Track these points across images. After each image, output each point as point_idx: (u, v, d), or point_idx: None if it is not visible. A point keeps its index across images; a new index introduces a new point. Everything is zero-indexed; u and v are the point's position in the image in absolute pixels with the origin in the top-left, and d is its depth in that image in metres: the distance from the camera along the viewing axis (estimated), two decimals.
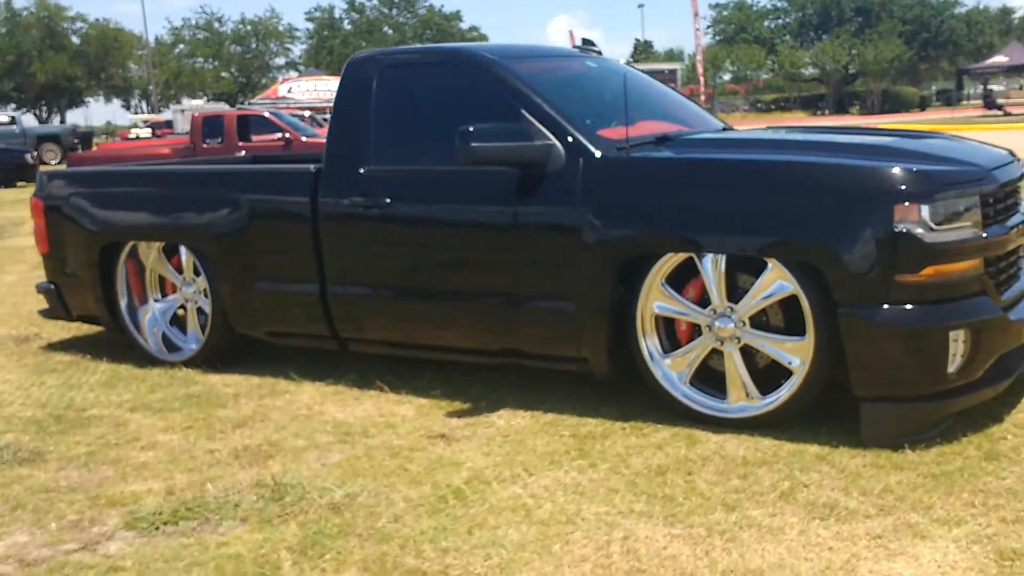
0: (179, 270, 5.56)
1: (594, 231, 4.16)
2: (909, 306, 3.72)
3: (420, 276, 4.75)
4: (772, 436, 3.94)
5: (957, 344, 3.75)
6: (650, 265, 4.14)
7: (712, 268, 4.05)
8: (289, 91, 44.31)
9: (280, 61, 66.73)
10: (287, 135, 18.77)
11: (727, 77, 71.42)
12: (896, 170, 3.78)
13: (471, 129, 4.22)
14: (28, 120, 52.09)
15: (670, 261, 4.12)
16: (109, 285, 5.71)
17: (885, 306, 3.72)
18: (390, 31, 67.57)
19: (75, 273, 5.81)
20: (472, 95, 4.69)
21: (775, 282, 3.93)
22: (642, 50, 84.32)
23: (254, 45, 65.88)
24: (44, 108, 60.50)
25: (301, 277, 5.00)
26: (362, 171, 4.81)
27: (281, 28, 66.90)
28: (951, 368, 3.76)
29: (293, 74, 57.22)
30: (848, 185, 3.81)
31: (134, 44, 63.02)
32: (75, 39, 58.49)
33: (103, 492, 3.71)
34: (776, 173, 4.03)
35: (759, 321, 4.04)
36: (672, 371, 4.22)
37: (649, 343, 4.24)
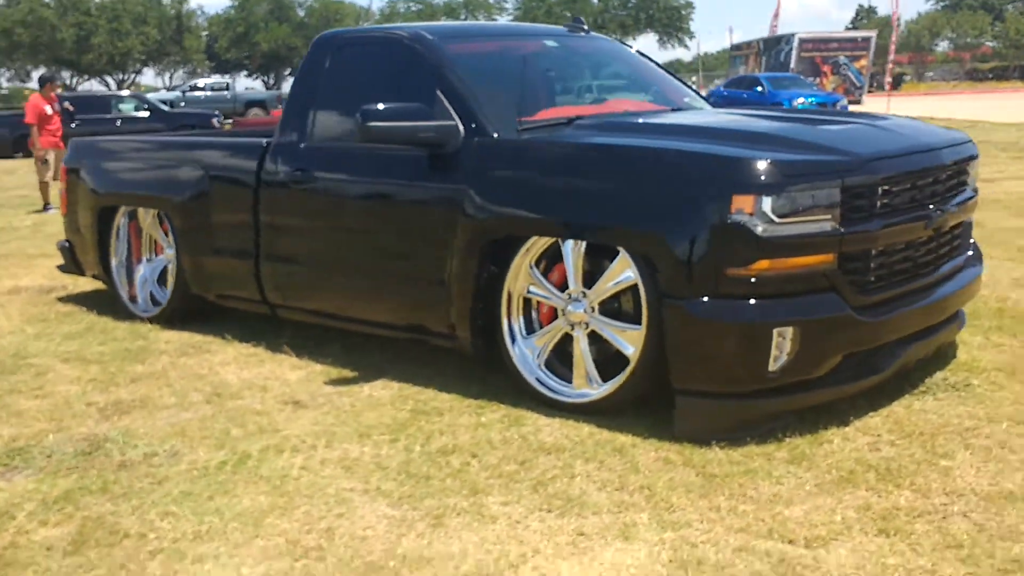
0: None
1: (470, 210, 4.06)
2: (733, 300, 3.43)
3: (331, 249, 4.79)
4: (598, 424, 3.74)
5: (783, 342, 3.43)
6: (518, 247, 3.99)
7: (572, 253, 3.87)
8: None
9: None
10: None
11: (944, 45, 66.55)
12: (739, 159, 3.50)
13: (369, 108, 4.18)
14: (243, 84, 56.00)
15: (537, 244, 3.97)
16: (106, 244, 6.08)
17: (707, 299, 3.44)
18: (595, 1, 67.02)
19: (82, 232, 6.23)
20: (401, 75, 4.65)
21: (624, 270, 3.71)
22: (863, 15, 79.84)
23: (464, 16, 67.16)
24: (273, 76, 64.37)
25: (242, 245, 5.13)
26: (303, 146, 4.87)
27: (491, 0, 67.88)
28: (773, 366, 3.44)
29: None
30: (685, 173, 3.58)
31: (355, 16, 65.83)
32: (300, 12, 61.68)
33: None
34: (624, 158, 3.81)
35: (611, 309, 3.83)
36: (528, 353, 4.07)
37: (513, 324, 4.10)
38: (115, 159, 6.04)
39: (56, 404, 4.33)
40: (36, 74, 61.74)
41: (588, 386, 3.88)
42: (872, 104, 34.83)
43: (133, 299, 5.97)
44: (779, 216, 3.36)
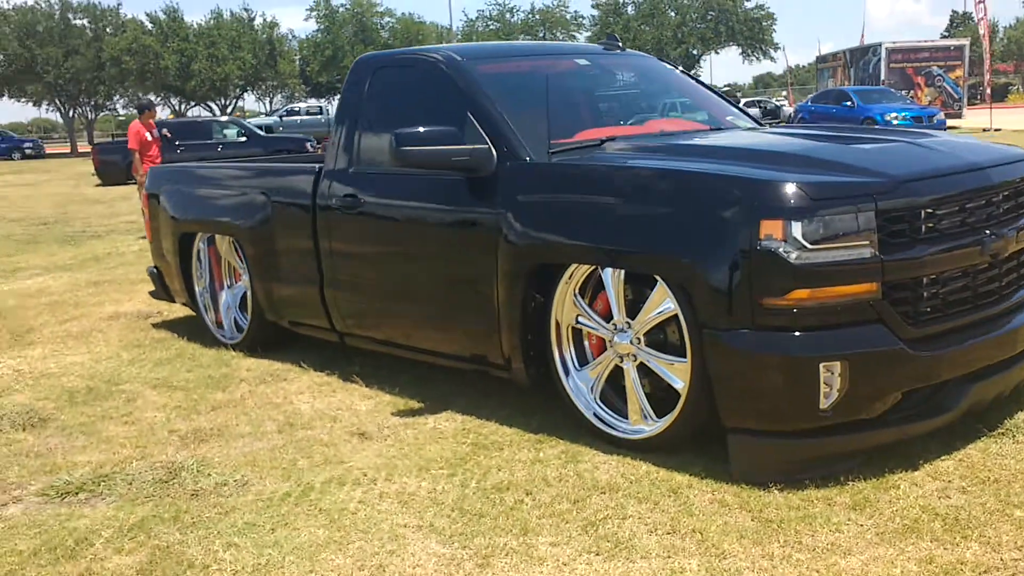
0: None
1: (509, 236, 4.07)
2: (775, 332, 3.35)
3: (387, 277, 4.87)
4: (656, 461, 3.72)
5: (832, 377, 3.33)
6: (560, 274, 4.00)
7: (613, 281, 3.85)
8: None
9: None
10: None
11: None
12: (765, 181, 3.41)
13: (402, 132, 4.26)
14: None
15: (578, 272, 3.97)
16: (188, 271, 6.31)
17: (747, 331, 3.37)
18: (673, 13, 66.67)
19: (167, 258, 6.47)
20: (434, 97, 4.72)
21: (664, 300, 3.67)
22: (959, 22, 77.41)
23: (541, 34, 67.56)
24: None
25: (306, 272, 5.26)
26: (351, 171, 4.98)
27: (568, 17, 68.20)
28: (824, 403, 3.35)
29: None
30: (713, 197, 3.48)
31: (436, 37, 66.86)
32: (384, 33, 62.90)
33: (53, 460, 4.19)
34: (651, 182, 3.76)
35: (658, 340, 3.80)
36: (583, 385, 4.07)
37: (565, 355, 4.11)
38: (191, 185, 6.25)
39: (142, 431, 4.52)
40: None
41: (643, 421, 3.86)
42: (974, 118, 33.75)
43: (220, 325, 6.16)
44: (811, 242, 3.26)
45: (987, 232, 3.67)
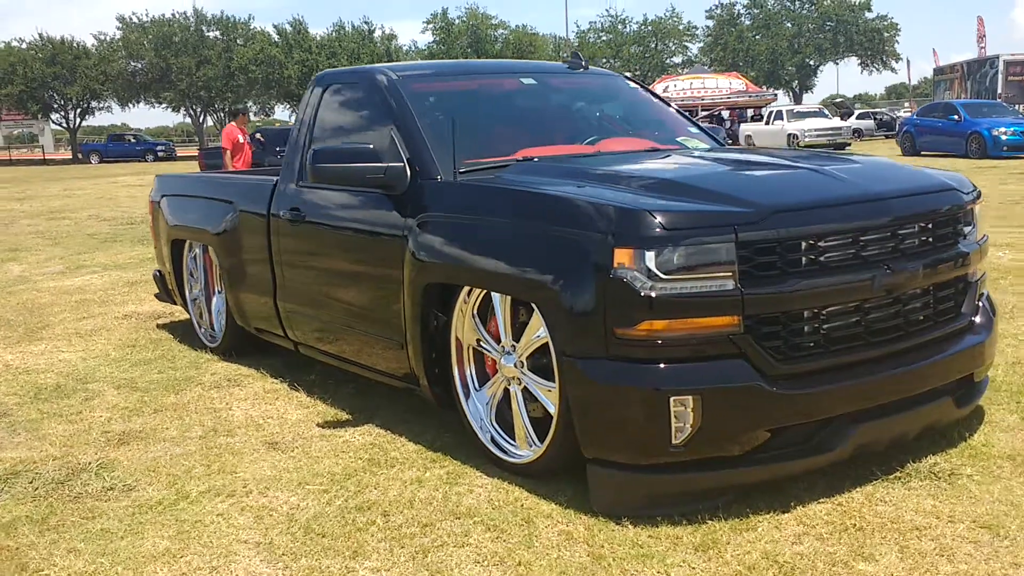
0: None
1: (414, 254, 3.99)
2: (628, 363, 3.17)
3: (322, 289, 4.85)
4: (532, 487, 3.59)
5: (684, 412, 3.12)
6: (458, 294, 3.90)
7: (500, 303, 3.73)
8: (665, 90, 44.43)
9: (677, 60, 67.12)
10: None
11: None
12: (620, 208, 3.22)
13: (320, 148, 4.25)
14: None
15: (475, 292, 3.85)
16: (181, 275, 6.45)
17: (602, 360, 3.20)
18: (789, 24, 64.88)
19: (164, 263, 6.64)
20: (371, 115, 4.68)
21: (540, 326, 3.53)
22: None
23: (653, 44, 66.90)
24: None
25: (263, 281, 5.29)
26: (295, 186, 4.98)
27: (681, 27, 67.24)
28: (676, 439, 3.14)
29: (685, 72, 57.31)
30: (575, 223, 3.31)
31: (549, 48, 67.10)
32: (497, 45, 63.46)
33: None
34: (528, 206, 3.62)
35: (540, 365, 3.65)
36: (481, 407, 3.95)
37: (466, 374, 4.01)
38: (182, 193, 6.36)
39: (79, 431, 4.62)
40: (279, 108, 67.85)
41: (527, 446, 3.72)
42: None
43: (213, 328, 6.27)
44: (665, 272, 3.06)
45: (885, 267, 3.38)
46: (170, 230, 6.36)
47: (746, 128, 39.90)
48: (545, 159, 4.30)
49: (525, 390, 3.71)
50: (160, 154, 52.62)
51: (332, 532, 3.30)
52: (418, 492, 3.62)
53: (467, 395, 3.99)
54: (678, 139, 4.96)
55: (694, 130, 5.17)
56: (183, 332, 6.68)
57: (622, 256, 3.11)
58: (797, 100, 64.59)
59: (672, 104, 5.60)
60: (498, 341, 3.79)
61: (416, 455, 4.04)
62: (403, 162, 4.18)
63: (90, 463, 4.10)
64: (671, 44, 67.78)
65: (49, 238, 13.74)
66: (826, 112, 39.72)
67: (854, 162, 4.04)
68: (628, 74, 5.68)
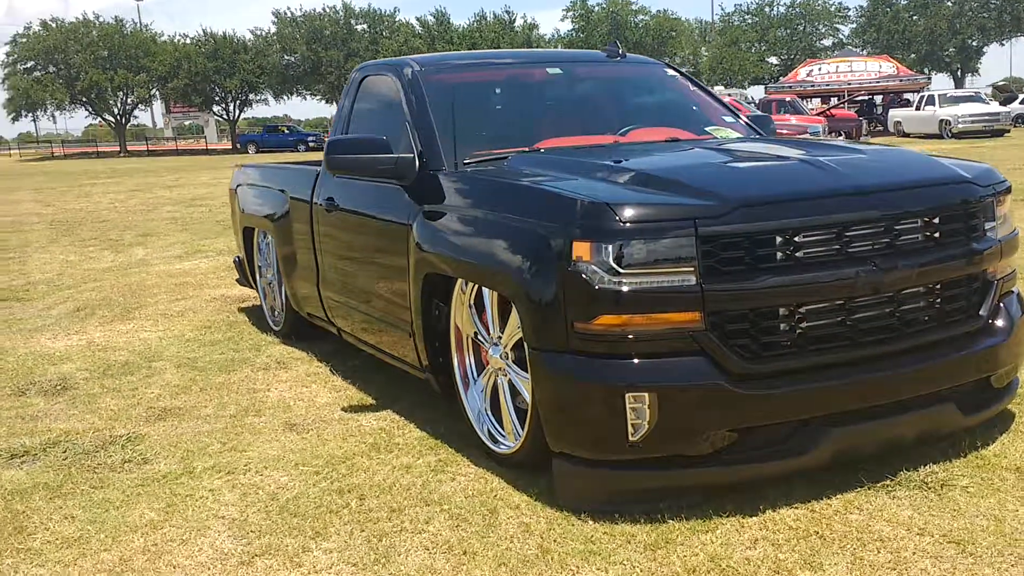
0: None
1: (417, 244, 4.05)
2: (587, 358, 3.14)
3: (352, 277, 4.98)
4: (511, 479, 3.61)
5: (641, 409, 3.06)
6: (455, 284, 3.94)
7: (488, 294, 3.76)
8: (809, 74, 42.86)
9: (827, 43, 64.47)
10: None
11: None
12: (579, 201, 3.17)
13: (335, 139, 4.37)
14: None
15: (470, 283, 3.89)
16: (253, 262, 6.76)
17: (564, 354, 3.18)
18: (949, 3, 61.20)
19: (240, 249, 6.96)
20: (393, 106, 4.75)
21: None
22: None
23: (801, 27, 64.55)
24: None
25: (309, 267, 5.49)
26: (334, 176, 5.12)
27: (832, 8, 64.60)
28: (634, 436, 3.09)
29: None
30: (542, 216, 3.29)
31: (690, 33, 65.97)
32: (638, 31, 62.79)
33: (34, 425, 4.66)
34: (506, 198, 3.63)
35: (522, 356, 3.64)
36: (478, 395, 3.99)
37: (466, 363, 4.05)
38: (252, 183, 6.63)
39: (128, 405, 4.93)
40: None
41: (513, 438, 3.73)
42: None
43: None
44: (623, 266, 3.00)
45: (872, 264, 3.21)
46: (242, 217, 6.67)
47: (895, 114, 38.04)
48: (552, 150, 4.26)
49: (511, 382, 3.71)
50: (311, 144, 54.69)
51: (305, 512, 3.41)
52: (402, 478, 3.69)
53: (466, 385, 4.03)
54: (707, 129, 4.81)
55: (729, 119, 5.01)
56: (258, 316, 6.98)
57: (580, 249, 3.07)
58: (959, 84, 61.01)
59: (717, 94, 5.41)
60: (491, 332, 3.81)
61: (418, 442, 4.11)
62: (413, 153, 4.25)
63: (122, 436, 4.37)
64: (821, 26, 65.19)
65: (181, 224, 14.57)
66: (983, 97, 37.31)
67: (860, 152, 3.82)
68: (668, 62, 5.52)
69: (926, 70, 62.34)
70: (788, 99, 29.21)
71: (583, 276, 3.05)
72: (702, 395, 3.07)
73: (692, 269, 3.02)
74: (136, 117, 76.91)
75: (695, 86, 5.33)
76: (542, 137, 4.52)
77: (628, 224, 3.03)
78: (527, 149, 4.27)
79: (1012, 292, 3.81)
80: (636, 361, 3.09)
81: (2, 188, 26.44)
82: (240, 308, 7.43)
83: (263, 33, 63.26)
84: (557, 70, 5.02)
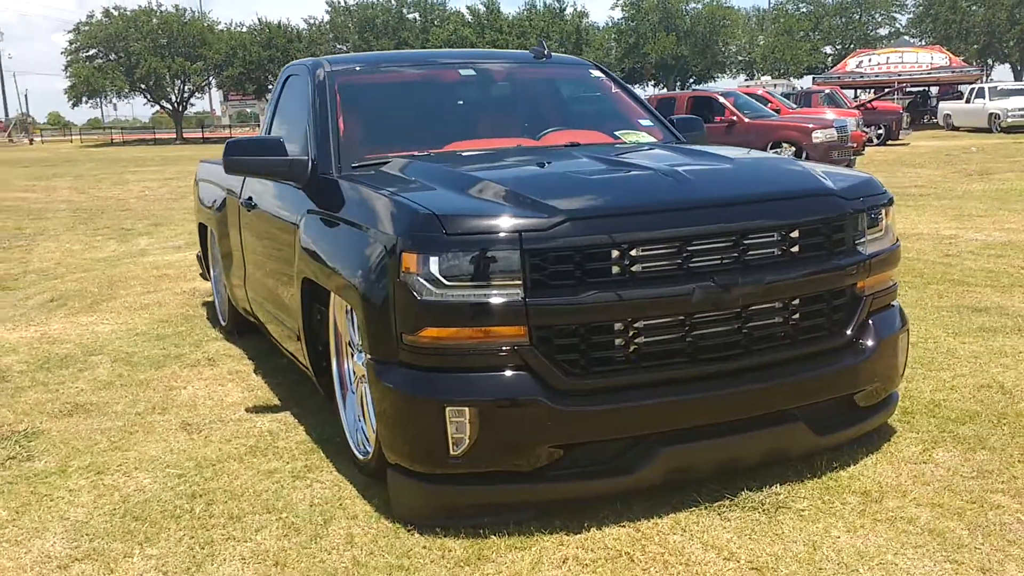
0: None
1: (300, 247, 4.04)
2: (412, 370, 3.10)
3: (259, 275, 5.00)
4: (365, 489, 3.58)
5: (462, 423, 3.02)
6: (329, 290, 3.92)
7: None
8: (859, 65, 41.82)
9: (883, 32, 62.81)
10: (732, 118, 18.42)
11: None
12: (409, 211, 3.14)
13: (232, 140, 4.37)
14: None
15: None
16: (207, 256, 6.83)
17: (392, 365, 3.15)
18: None
19: (199, 244, 7.05)
20: (303, 107, 4.73)
21: None
22: None
23: (857, 16, 63.01)
24: (661, 86, 65.56)
25: (238, 265, 5.52)
26: None
27: None
28: (455, 450, 3.05)
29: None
30: (385, 224, 3.25)
31: (744, 21, 64.86)
32: (688, 20, 61.97)
33: None
34: (356, 204, 3.61)
35: None
36: (353, 401, 3.96)
37: (346, 369, 4.02)
38: (205, 177, 6.69)
39: (47, 400, 5.00)
40: None
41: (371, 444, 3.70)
42: None
43: None
44: (447, 278, 2.96)
45: (711, 280, 3.10)
46: (197, 212, 6.74)
47: (945, 106, 37.04)
48: (436, 157, 4.19)
49: None
50: None
51: (146, 516, 3.43)
52: (259, 483, 3.69)
53: (344, 390, 4.01)
54: (617, 132, 4.71)
55: (646, 123, 4.89)
56: (216, 311, 7.04)
57: (408, 260, 3.03)
58: (1018, 76, 59.06)
59: (635, 96, 5.22)
60: None
61: (297, 446, 4.10)
62: (307, 156, 4.24)
63: (21, 432, 4.44)
64: (877, 15, 63.55)
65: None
66: None
67: (727, 162, 3.70)
68: (593, 63, 5.41)
69: (989, 61, 60.52)
70: (827, 91, 28.54)
71: (409, 287, 3.01)
72: (522, 411, 3.01)
73: (517, 283, 2.96)
74: (193, 105, 78.29)
75: (619, 88, 5.21)
76: (451, 140, 4.48)
77: (453, 236, 2.98)
78: (429, 153, 4.22)
79: (890, 307, 3.67)
80: (459, 375, 3.05)
81: (47, 174, 27.11)
82: (204, 302, 7.50)
83: (316, 22, 63.86)
84: (471, 71, 4.95)
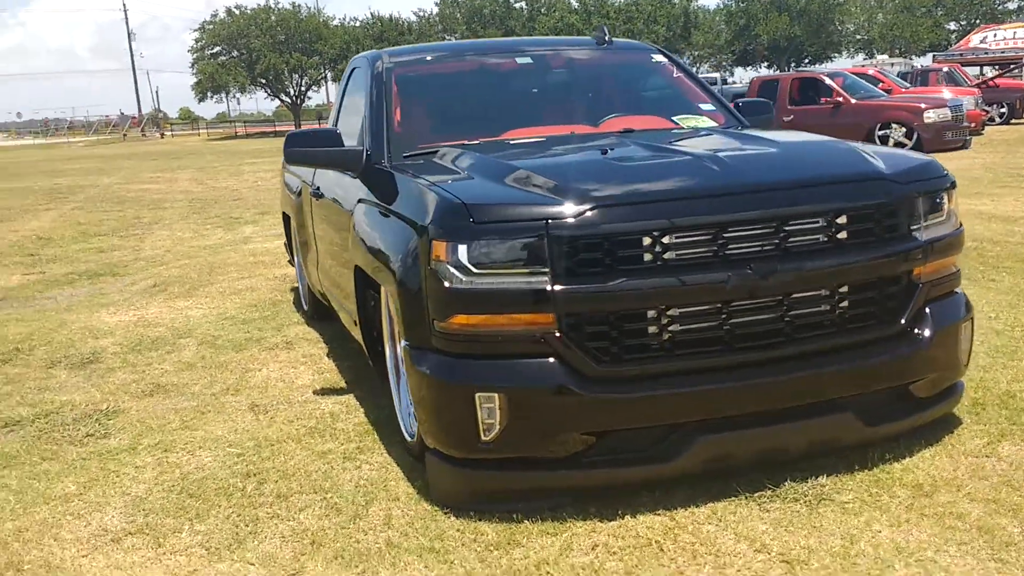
0: None
1: (354, 236, 4.11)
2: (445, 356, 3.12)
3: (329, 265, 5.09)
4: (410, 471, 3.61)
5: (492, 409, 3.02)
6: None
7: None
8: (983, 41, 39.61)
9: (1012, 6, 59.32)
10: (838, 99, 17.75)
11: None
12: (440, 200, 3.14)
13: (292, 132, 4.48)
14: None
15: None
16: (291, 244, 7.02)
17: (427, 351, 3.18)
18: None
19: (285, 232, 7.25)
20: (363, 98, 4.79)
21: None
22: None
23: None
24: (774, 68, 63.74)
25: (313, 250, 5.65)
26: None
27: None
28: (486, 436, 3.05)
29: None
30: (418, 214, 3.27)
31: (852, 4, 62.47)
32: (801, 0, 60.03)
33: (42, 395, 5.02)
34: (397, 194, 3.63)
35: None
36: (404, 386, 4.00)
37: (397, 352, 4.07)
38: (289, 168, 6.82)
39: (132, 380, 5.23)
40: None
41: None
42: None
43: None
44: (476, 266, 2.95)
45: (748, 267, 3.00)
46: (282, 201, 6.93)
47: None
48: (484, 145, 4.17)
49: None
50: None
51: (201, 494, 3.54)
52: (311, 464, 3.77)
53: (398, 375, 4.05)
54: (675, 118, 4.59)
55: (707, 107, 4.76)
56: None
57: (438, 248, 3.04)
58: None
59: (696, 80, 5.08)
60: None
61: (354, 428, 4.17)
62: (362, 146, 4.30)
63: (104, 410, 4.66)
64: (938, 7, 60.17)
65: None
66: None
67: (773, 146, 3.56)
68: (656, 47, 5.29)
69: None
70: (946, 69, 27.17)
71: (440, 275, 3.02)
72: (550, 397, 2.98)
73: (545, 270, 2.94)
74: (310, 98, 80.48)
75: (681, 72, 5.08)
76: (506, 128, 4.46)
77: (481, 224, 2.98)
78: (479, 142, 4.21)
79: (952, 294, 3.47)
80: (488, 361, 3.05)
81: (172, 167, 28.34)
82: (292, 287, 7.70)
83: (426, 15, 64.66)
84: (527, 59, 4.92)
